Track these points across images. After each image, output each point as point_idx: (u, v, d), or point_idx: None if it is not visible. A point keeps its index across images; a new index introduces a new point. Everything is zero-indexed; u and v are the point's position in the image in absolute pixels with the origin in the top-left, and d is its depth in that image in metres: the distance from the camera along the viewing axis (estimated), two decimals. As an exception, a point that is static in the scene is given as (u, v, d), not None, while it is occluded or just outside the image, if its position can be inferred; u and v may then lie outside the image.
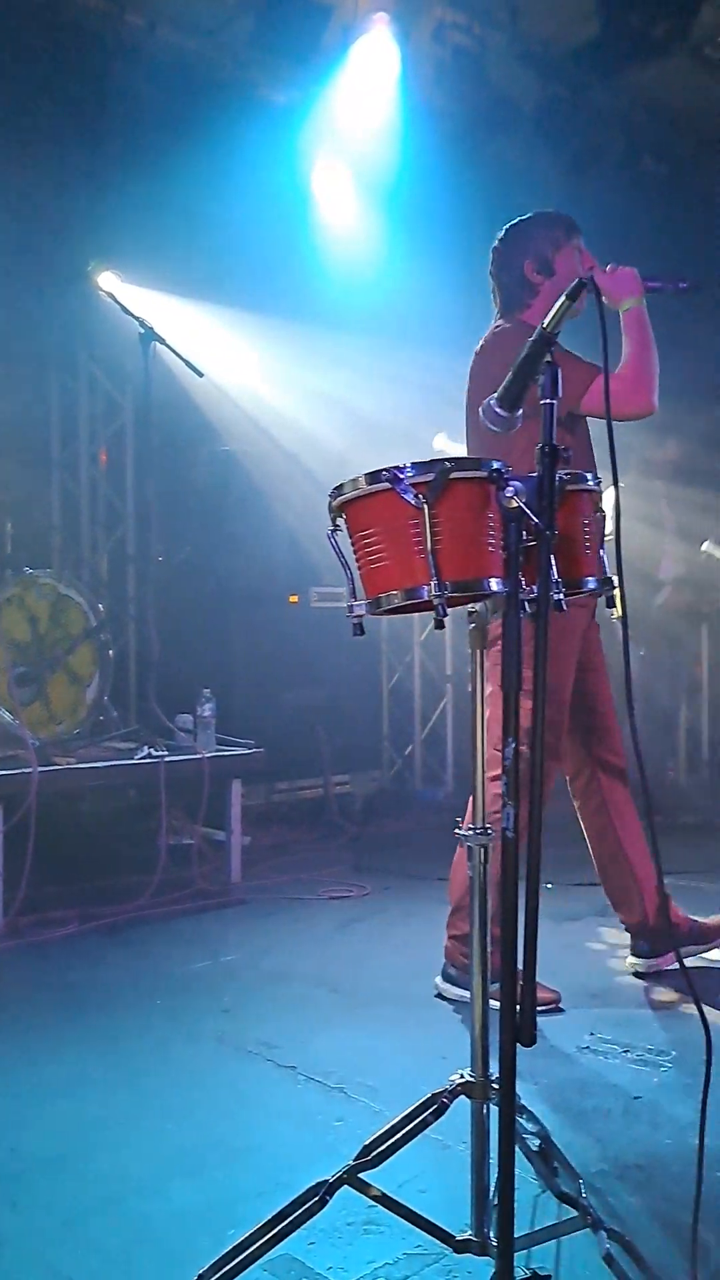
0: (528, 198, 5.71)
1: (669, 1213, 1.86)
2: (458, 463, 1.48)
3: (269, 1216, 1.61)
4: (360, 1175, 1.60)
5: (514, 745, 1.48)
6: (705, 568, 6.36)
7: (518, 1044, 1.42)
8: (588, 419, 2.99)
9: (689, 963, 3.20)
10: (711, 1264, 1.72)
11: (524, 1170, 1.78)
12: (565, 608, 1.67)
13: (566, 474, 1.70)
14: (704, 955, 3.26)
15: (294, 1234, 1.62)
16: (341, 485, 1.57)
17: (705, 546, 6.92)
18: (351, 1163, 1.62)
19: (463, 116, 5.20)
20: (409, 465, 1.48)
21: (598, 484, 1.77)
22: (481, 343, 3.03)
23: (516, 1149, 1.53)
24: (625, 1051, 2.64)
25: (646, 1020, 2.86)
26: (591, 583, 1.78)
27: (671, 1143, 2.15)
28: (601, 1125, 2.25)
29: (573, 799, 3.33)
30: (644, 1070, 2.53)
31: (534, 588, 1.56)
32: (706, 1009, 1.57)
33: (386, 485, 1.49)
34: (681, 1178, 1.99)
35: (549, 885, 4.33)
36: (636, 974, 3.24)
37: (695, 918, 3.28)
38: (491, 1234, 1.57)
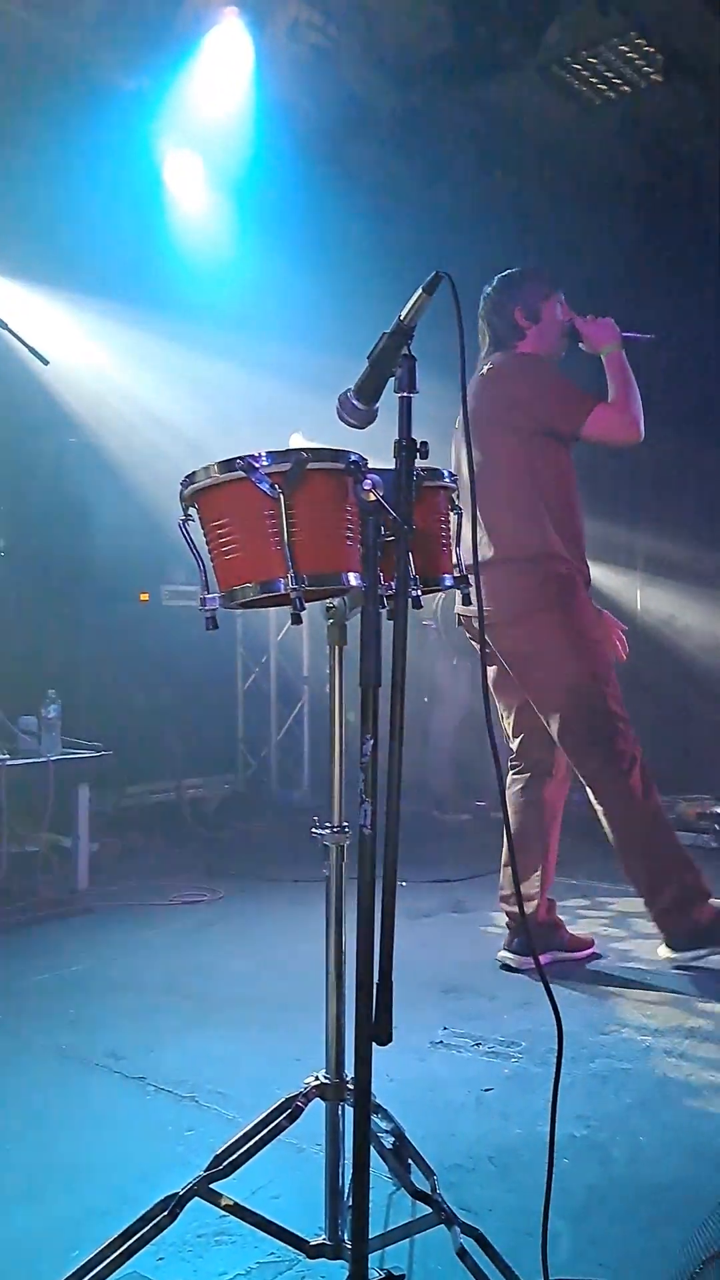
0: (383, 202, 5.77)
1: (521, 1203, 1.88)
2: (314, 453, 1.46)
3: (115, 1234, 1.55)
4: (211, 1185, 1.55)
5: (371, 742, 1.47)
6: None
7: (375, 1043, 1.40)
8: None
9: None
10: (562, 1251, 1.75)
11: (379, 1170, 1.77)
12: (422, 604, 1.68)
13: (424, 469, 1.70)
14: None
15: (142, 1251, 1.56)
16: (194, 473, 1.52)
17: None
18: (202, 1173, 1.57)
19: (318, 116, 5.20)
20: (264, 454, 1.44)
21: (453, 480, 1.78)
22: (489, 370, 3.35)
23: (371, 1149, 1.51)
24: (477, 1045, 2.67)
25: (497, 1013, 2.90)
26: (448, 580, 1.79)
27: (522, 1132, 2.18)
28: (455, 1119, 2.26)
29: (519, 779, 3.47)
30: (495, 1062, 2.56)
31: (392, 584, 1.56)
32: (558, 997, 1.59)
33: (241, 474, 1.45)
34: (533, 1167, 2.02)
35: (403, 882, 4.35)
36: (506, 967, 3.29)
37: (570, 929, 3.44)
38: (346, 1237, 1.55)
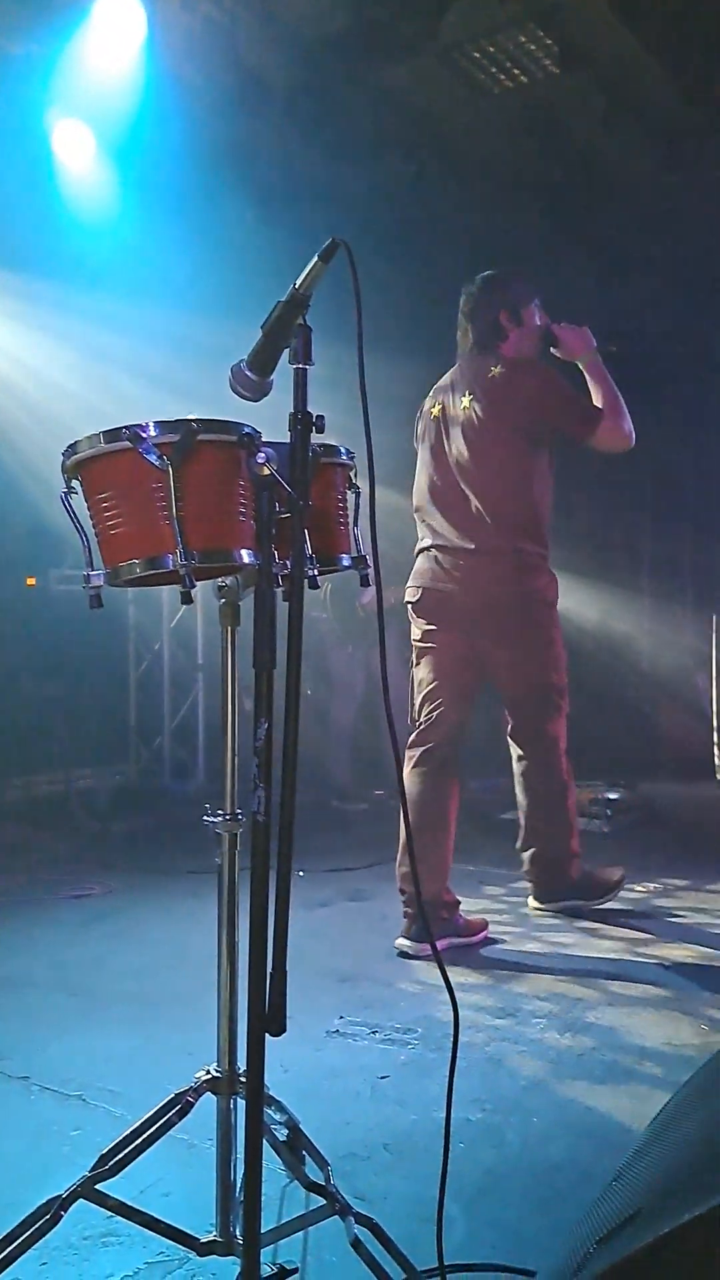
0: (278, 179, 5.69)
1: (417, 1190, 1.87)
2: (205, 424, 1.40)
3: (-5, 1242, 1.48)
4: (97, 1186, 1.49)
5: (266, 726, 1.43)
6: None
7: (267, 1034, 1.36)
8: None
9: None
10: (457, 1236, 1.74)
11: (273, 1163, 1.73)
12: (319, 584, 1.63)
13: (320, 446, 1.66)
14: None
15: (23, 1256, 1.49)
16: (76, 443, 1.44)
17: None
18: (88, 1173, 1.51)
19: (212, 89, 5.08)
20: (152, 423, 1.38)
21: (351, 458, 1.74)
22: (501, 372, 3.45)
23: (264, 1141, 1.47)
24: (373, 1032, 2.65)
25: (394, 1000, 2.89)
26: (345, 560, 1.74)
27: (418, 1118, 2.16)
28: (350, 1108, 2.24)
29: (421, 764, 3.49)
30: (391, 1049, 2.55)
31: (287, 562, 1.51)
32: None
33: (127, 445, 1.38)
34: (428, 1153, 2.00)
35: (300, 872, 4.33)
36: (404, 955, 3.28)
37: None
38: (238, 1232, 1.50)
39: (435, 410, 3.62)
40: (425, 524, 3.67)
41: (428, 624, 3.59)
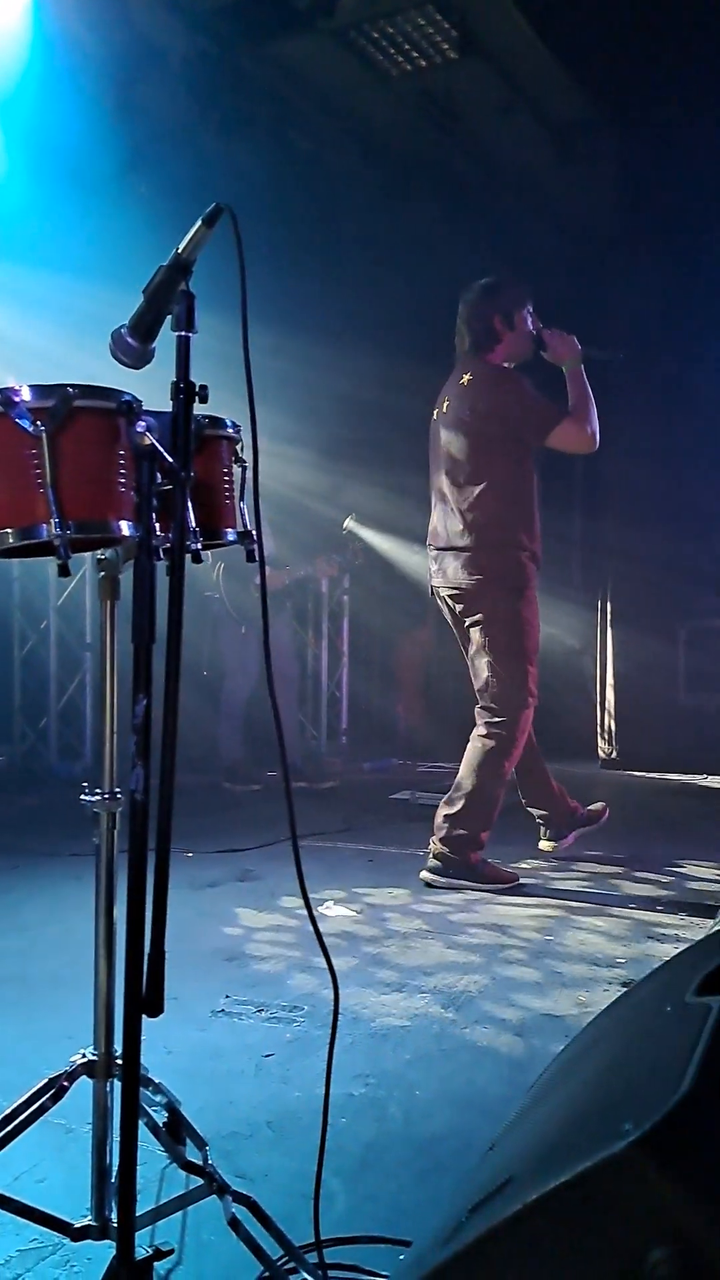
0: (172, 151, 5.58)
1: (298, 1166, 1.87)
2: (82, 390, 1.36)
3: None
4: (-32, 1174, 1.45)
5: (145, 702, 1.40)
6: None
7: (145, 1015, 1.34)
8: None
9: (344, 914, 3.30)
10: (338, 1210, 1.75)
11: (153, 1145, 1.71)
12: (203, 559, 1.61)
13: (206, 417, 1.63)
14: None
15: None
16: (-55, 408, 1.39)
17: (347, 523, 7.17)
18: (-42, 1162, 1.46)
19: (105, 55, 4.95)
20: (25, 387, 1.33)
21: (237, 431, 1.71)
22: (468, 380, 3.85)
23: (141, 1123, 1.45)
24: (259, 1011, 2.64)
25: (280, 979, 2.89)
26: (230, 535, 1.72)
27: (301, 1095, 2.17)
28: (234, 1087, 2.23)
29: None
30: (277, 1027, 2.54)
31: (169, 535, 1.48)
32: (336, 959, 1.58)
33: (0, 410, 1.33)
34: (311, 1129, 1.99)
35: (189, 853, 4.29)
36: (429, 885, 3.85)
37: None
38: (114, 1216, 1.48)
39: (436, 413, 4.01)
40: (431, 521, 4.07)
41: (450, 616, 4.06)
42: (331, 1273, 1.46)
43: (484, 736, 3.90)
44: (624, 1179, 0.89)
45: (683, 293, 6.41)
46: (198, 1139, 1.61)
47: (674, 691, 7.18)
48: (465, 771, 3.92)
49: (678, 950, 1.89)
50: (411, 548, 7.79)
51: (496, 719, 3.88)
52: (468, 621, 3.94)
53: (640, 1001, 1.49)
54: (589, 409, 3.80)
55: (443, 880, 3.86)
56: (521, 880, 3.93)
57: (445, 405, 3.93)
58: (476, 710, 3.96)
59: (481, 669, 3.91)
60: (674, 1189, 0.88)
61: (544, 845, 4.28)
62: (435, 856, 3.90)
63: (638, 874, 4.14)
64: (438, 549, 3.99)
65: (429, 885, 3.86)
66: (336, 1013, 1.50)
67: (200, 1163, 1.52)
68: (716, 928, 1.76)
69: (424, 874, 3.90)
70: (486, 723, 3.90)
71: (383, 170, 7.02)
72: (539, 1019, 2.61)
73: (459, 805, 3.87)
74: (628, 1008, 1.53)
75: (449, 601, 3.98)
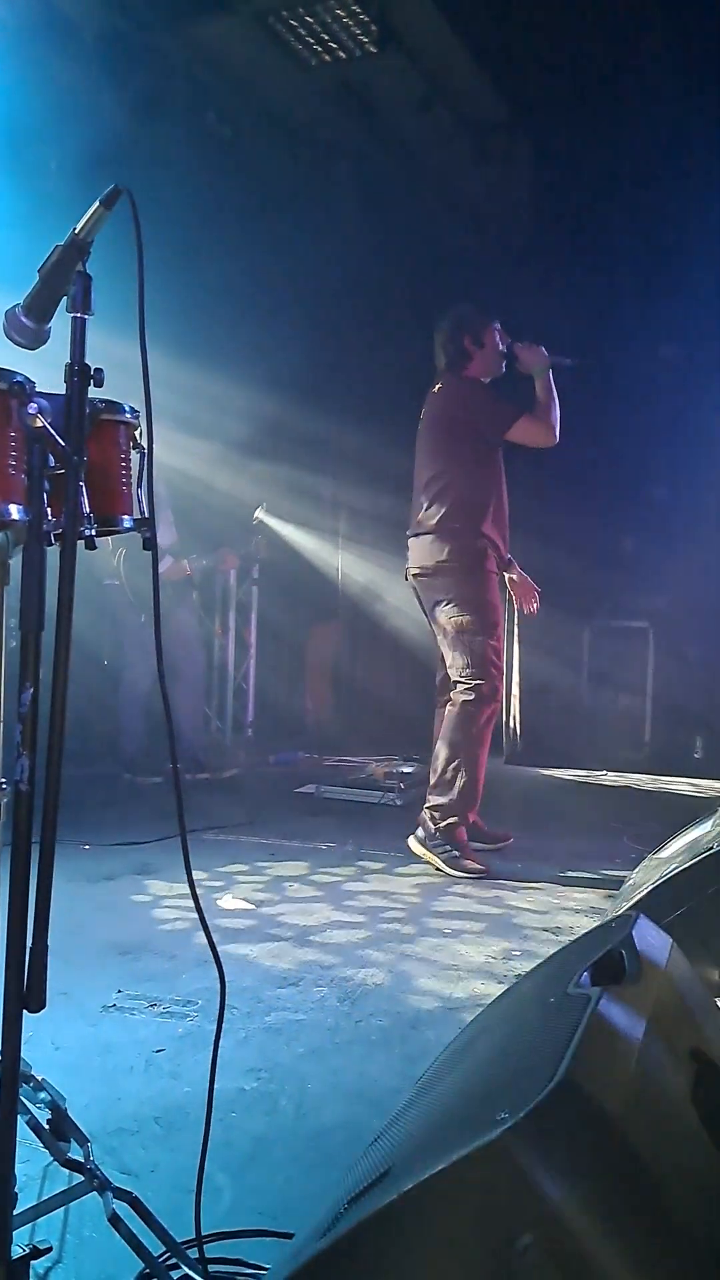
0: (86, 129, 5.46)
1: (184, 1161, 1.85)
2: (-30, 369, 1.32)
3: None
4: None
5: (31, 691, 1.37)
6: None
7: (26, 1011, 1.31)
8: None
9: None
10: (223, 1204, 1.74)
11: (35, 1143, 1.68)
12: (96, 545, 1.58)
13: (102, 401, 1.60)
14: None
15: None
16: None
17: (257, 514, 7.13)
18: None
19: (15, 25, 4.82)
20: None
21: (135, 416, 1.68)
22: (438, 388, 4.30)
23: (22, 1121, 1.42)
24: (152, 1006, 2.62)
25: (176, 973, 2.86)
26: (127, 522, 1.69)
27: (191, 1090, 2.15)
28: (123, 1083, 2.20)
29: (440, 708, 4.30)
30: (169, 1022, 2.52)
31: (61, 519, 1.45)
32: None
33: None
34: (199, 1124, 1.98)
35: (86, 845, 4.22)
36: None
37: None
38: (-9, 1215, 1.45)
39: (421, 426, 4.41)
40: None
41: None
42: (213, 1267, 1.45)
43: (462, 700, 4.11)
44: (496, 1166, 0.91)
45: (593, 296, 6.52)
46: (80, 1136, 1.58)
47: (578, 690, 7.32)
48: (443, 741, 4.14)
49: (569, 943, 1.92)
50: (323, 541, 7.80)
51: (473, 681, 4.10)
52: (434, 604, 4.23)
53: (525, 993, 1.51)
54: (551, 408, 4.17)
55: (421, 851, 4.12)
56: (423, 874, 3.96)
57: (422, 413, 4.37)
58: (451, 693, 4.19)
59: (450, 648, 4.18)
60: (544, 1175, 0.89)
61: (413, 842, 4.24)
62: (422, 826, 4.15)
63: (537, 867, 4.21)
64: (409, 536, 4.36)
65: (413, 852, 4.16)
66: (223, 1005, 1.49)
67: (82, 1160, 1.49)
68: (604, 922, 1.80)
69: (410, 840, 4.19)
70: (464, 689, 4.12)
71: (300, 159, 6.98)
72: (434, 1011, 2.63)
73: (439, 774, 4.12)
74: (513, 999, 1.55)
75: (417, 587, 4.31)
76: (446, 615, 4.18)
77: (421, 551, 4.25)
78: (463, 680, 4.13)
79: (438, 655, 4.33)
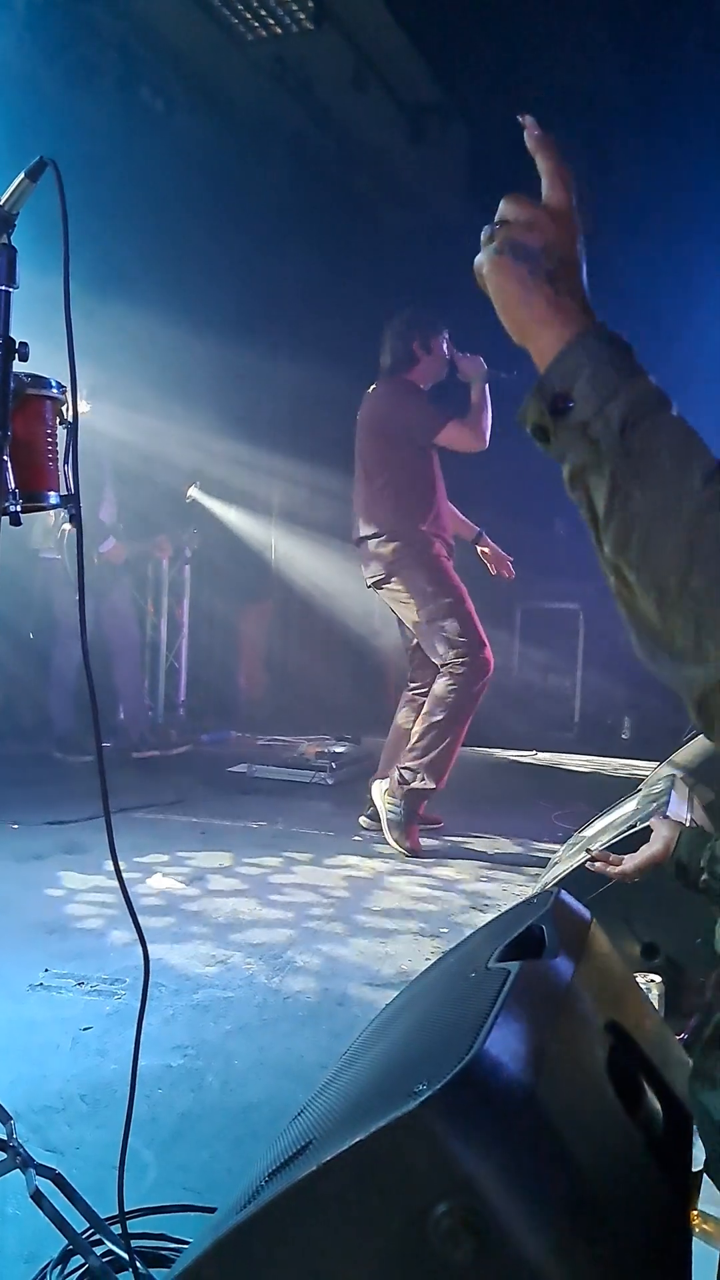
0: (15, 97, 5.34)
1: (109, 1138, 1.85)
2: None
3: None
4: None
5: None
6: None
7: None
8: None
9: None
10: (149, 1181, 1.75)
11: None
12: (21, 521, 1.56)
13: (28, 375, 1.58)
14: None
15: None
16: None
17: (191, 491, 7.07)
18: None
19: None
20: None
21: (62, 391, 1.66)
22: (373, 390, 4.44)
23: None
24: (79, 984, 2.61)
25: (103, 951, 2.85)
26: (53, 498, 1.67)
27: (118, 1068, 2.15)
28: (49, 1061, 2.19)
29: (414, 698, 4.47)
30: (97, 1000, 2.51)
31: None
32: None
33: None
34: (125, 1101, 1.99)
35: (14, 825, 4.17)
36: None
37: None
38: None
39: (359, 418, 4.51)
40: None
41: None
42: (136, 1242, 1.46)
43: (454, 672, 4.17)
44: (412, 1138, 0.93)
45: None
46: (3, 1114, 1.58)
47: (508, 670, 7.40)
48: (425, 710, 4.23)
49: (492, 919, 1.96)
50: (257, 519, 7.75)
51: (460, 660, 4.17)
52: (397, 605, 4.36)
53: (448, 967, 1.54)
54: (482, 416, 4.29)
55: (379, 798, 4.24)
56: (354, 851, 3.99)
57: (359, 414, 4.48)
58: (436, 680, 4.26)
59: (426, 643, 4.26)
60: (460, 1146, 0.92)
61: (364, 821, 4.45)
62: (389, 779, 4.22)
63: (465, 845, 4.27)
64: (356, 542, 4.46)
65: (371, 795, 4.31)
66: (146, 980, 1.50)
67: (4, 1137, 1.49)
68: (526, 898, 1.83)
69: (374, 783, 4.33)
70: (450, 671, 4.18)
71: (234, 134, 6.90)
72: (360, 989, 2.66)
73: (415, 739, 4.19)
74: (436, 975, 1.58)
75: (380, 595, 4.44)
76: (411, 614, 4.29)
77: (371, 558, 4.35)
78: (450, 664, 4.19)
79: (409, 648, 4.48)
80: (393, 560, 4.29)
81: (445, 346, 4.40)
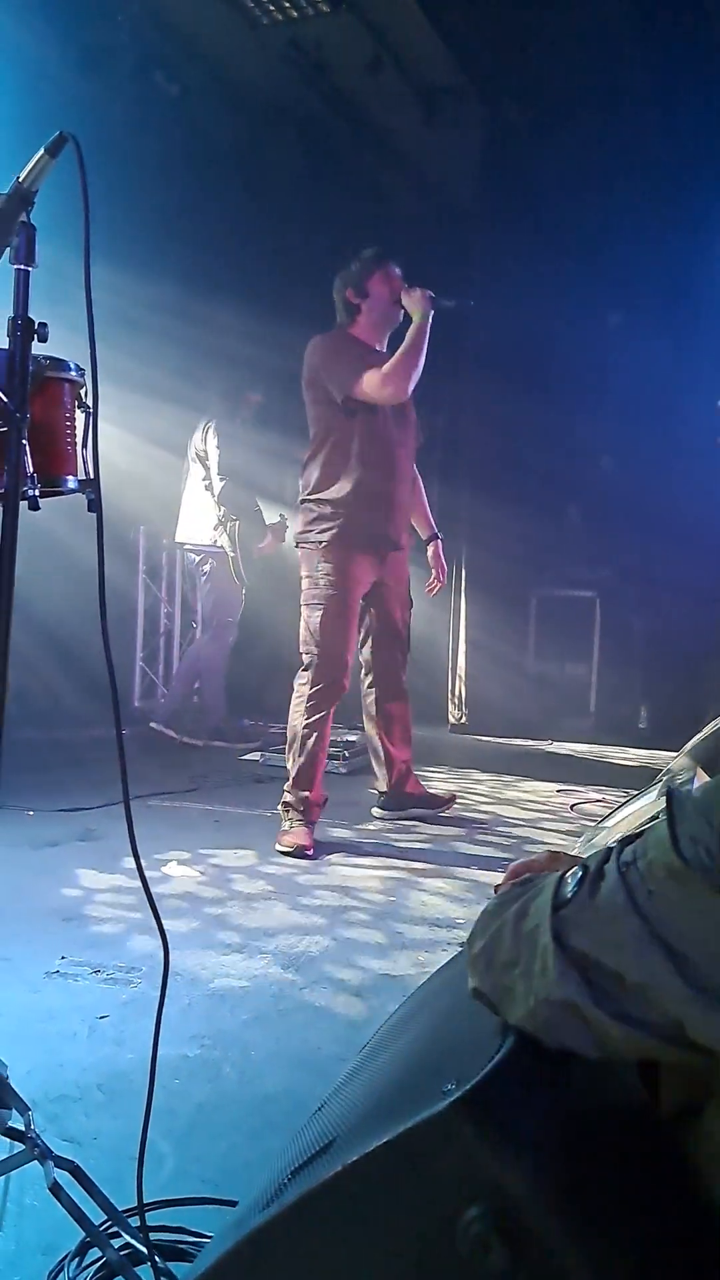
0: (30, 81, 5.30)
1: (127, 1128, 1.83)
2: None
3: None
4: None
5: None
6: None
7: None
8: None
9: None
10: (166, 1172, 1.73)
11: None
12: (40, 506, 1.54)
13: (46, 358, 1.56)
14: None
15: None
16: None
17: (205, 480, 7.02)
18: None
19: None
20: None
21: (81, 374, 1.63)
22: (311, 344, 3.97)
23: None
24: (95, 972, 2.59)
25: (119, 939, 2.84)
26: (71, 483, 1.65)
27: (134, 1057, 2.14)
28: (65, 1050, 2.18)
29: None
30: (113, 988, 2.50)
31: (3, 479, 1.42)
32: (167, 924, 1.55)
33: None
34: (143, 1092, 1.97)
35: (30, 812, 4.17)
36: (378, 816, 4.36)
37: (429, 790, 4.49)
38: (-71, 1187, 1.43)
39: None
40: None
41: None
42: (155, 1235, 1.45)
43: (295, 691, 4.03)
44: (442, 1139, 0.90)
45: (542, 267, 6.49)
46: (21, 1104, 1.56)
47: (524, 659, 7.37)
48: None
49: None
50: (268, 505, 7.72)
51: (302, 653, 4.00)
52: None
53: (470, 961, 1.51)
54: (405, 362, 3.81)
55: (388, 814, 4.37)
56: (369, 840, 3.97)
57: None
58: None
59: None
60: (490, 1148, 0.89)
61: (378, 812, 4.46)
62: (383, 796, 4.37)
63: (479, 836, 4.24)
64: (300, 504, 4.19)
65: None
66: (166, 970, 1.48)
67: (22, 1128, 1.48)
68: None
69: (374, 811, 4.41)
70: (297, 686, 4.03)
71: (247, 119, 6.85)
72: (377, 979, 2.64)
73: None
74: (458, 968, 1.55)
75: None
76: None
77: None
78: (300, 677, 4.00)
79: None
80: (299, 533, 4.06)
81: (387, 283, 3.95)
